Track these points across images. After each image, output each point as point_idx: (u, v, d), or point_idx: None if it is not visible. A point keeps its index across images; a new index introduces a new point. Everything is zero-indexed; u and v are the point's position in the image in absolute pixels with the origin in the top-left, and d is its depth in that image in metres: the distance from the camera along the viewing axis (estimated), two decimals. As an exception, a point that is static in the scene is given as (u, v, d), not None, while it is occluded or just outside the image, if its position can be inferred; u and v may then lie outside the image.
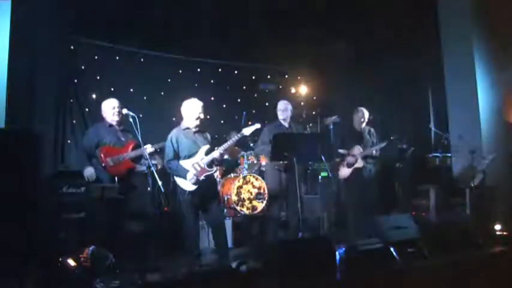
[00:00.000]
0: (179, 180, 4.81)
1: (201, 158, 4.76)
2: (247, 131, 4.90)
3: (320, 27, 7.60)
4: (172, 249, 5.76)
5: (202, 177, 4.72)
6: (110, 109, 5.14)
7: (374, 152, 6.14)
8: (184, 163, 4.77)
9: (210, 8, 6.87)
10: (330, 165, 6.56)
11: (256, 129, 4.97)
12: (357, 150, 6.16)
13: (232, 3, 6.88)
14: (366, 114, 6.31)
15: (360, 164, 6.10)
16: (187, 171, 4.71)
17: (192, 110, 4.82)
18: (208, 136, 5.01)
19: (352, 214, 6.17)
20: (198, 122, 4.82)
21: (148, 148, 5.03)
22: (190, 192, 4.77)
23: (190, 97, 4.92)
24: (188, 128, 4.87)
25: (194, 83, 8.24)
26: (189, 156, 4.78)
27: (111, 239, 4.65)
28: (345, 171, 6.26)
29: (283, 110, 5.61)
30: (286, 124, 5.62)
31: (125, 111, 4.85)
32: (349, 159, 6.16)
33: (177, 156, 4.79)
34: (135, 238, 5.60)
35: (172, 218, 6.03)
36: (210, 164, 4.78)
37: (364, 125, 6.32)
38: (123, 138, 5.14)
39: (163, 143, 5.06)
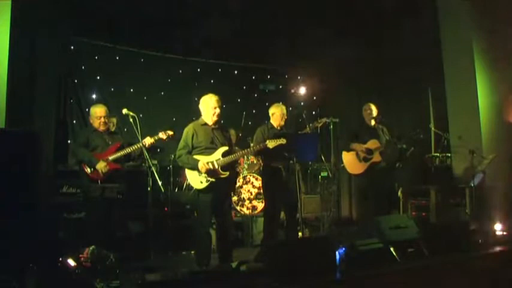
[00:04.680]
0: (189, 177, 4.73)
1: (217, 159, 4.65)
2: (271, 143, 4.83)
3: (320, 28, 7.59)
4: (173, 249, 5.79)
5: (213, 179, 4.63)
6: (96, 119, 5.19)
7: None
8: (198, 159, 4.66)
9: (210, 8, 6.87)
10: (333, 163, 6.52)
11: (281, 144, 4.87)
12: (374, 144, 5.99)
13: (233, 3, 6.87)
14: (374, 109, 6.20)
15: (377, 158, 5.93)
16: (198, 166, 4.60)
17: (207, 105, 4.76)
18: (231, 135, 4.92)
19: (368, 210, 6.06)
20: (215, 118, 4.74)
21: (148, 140, 5.06)
22: (199, 191, 4.71)
23: (200, 94, 4.89)
24: (206, 124, 4.79)
25: (194, 83, 8.25)
26: (205, 154, 4.68)
27: (111, 239, 4.65)
28: (358, 166, 6.07)
29: (277, 116, 5.55)
30: (278, 127, 5.55)
31: (124, 111, 4.87)
32: (363, 153, 6.00)
33: (189, 150, 4.69)
34: (135, 238, 5.61)
35: (173, 217, 6.06)
36: (225, 167, 4.68)
37: (373, 121, 6.20)
38: (109, 142, 5.18)
39: (162, 134, 5.08)
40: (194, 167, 4.63)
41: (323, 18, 7.38)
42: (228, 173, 4.69)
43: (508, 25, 6.58)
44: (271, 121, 5.56)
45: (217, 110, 4.73)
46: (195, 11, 6.92)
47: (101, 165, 4.93)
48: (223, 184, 4.72)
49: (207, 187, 4.65)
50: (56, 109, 6.78)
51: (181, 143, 4.76)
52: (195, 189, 4.74)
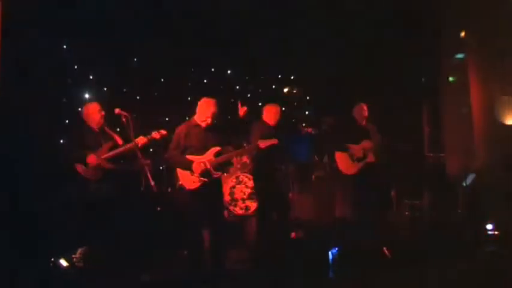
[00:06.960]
0: (181, 177, 4.70)
1: (209, 159, 4.62)
2: (262, 143, 4.82)
3: (318, 28, 7.61)
4: (167, 250, 5.76)
5: (205, 178, 4.60)
6: (89, 118, 5.16)
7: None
8: (191, 159, 4.62)
9: (210, 9, 6.86)
10: (327, 163, 6.50)
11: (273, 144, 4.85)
12: (367, 144, 6.03)
13: (233, 4, 6.88)
14: (366, 109, 6.20)
15: (371, 158, 5.95)
16: (190, 166, 4.58)
17: (202, 110, 4.73)
18: (224, 136, 4.87)
19: (361, 211, 6.07)
20: (204, 125, 4.70)
21: (142, 139, 5.02)
22: (190, 191, 4.67)
23: (194, 94, 4.87)
24: (198, 125, 4.75)
25: (187, 83, 8.21)
26: (197, 154, 4.64)
27: (106, 239, 4.62)
28: (352, 167, 6.10)
29: (272, 114, 5.54)
30: (272, 125, 5.51)
31: (117, 110, 4.83)
32: (359, 153, 6.02)
33: (181, 150, 4.66)
34: (130, 238, 5.57)
35: (167, 217, 6.03)
36: (217, 167, 4.65)
37: (365, 121, 6.21)
38: (102, 141, 5.15)
39: (156, 134, 5.06)
40: (187, 167, 4.61)
41: (319, 20, 7.40)
42: (220, 173, 4.68)
43: (504, 26, 6.62)
44: (266, 119, 5.55)
45: (209, 120, 4.72)
46: (192, 10, 6.92)
47: (91, 159, 4.89)
48: (215, 184, 4.71)
49: (199, 187, 4.62)
50: (49, 109, 6.73)
51: (173, 144, 4.74)
52: (187, 189, 4.72)
